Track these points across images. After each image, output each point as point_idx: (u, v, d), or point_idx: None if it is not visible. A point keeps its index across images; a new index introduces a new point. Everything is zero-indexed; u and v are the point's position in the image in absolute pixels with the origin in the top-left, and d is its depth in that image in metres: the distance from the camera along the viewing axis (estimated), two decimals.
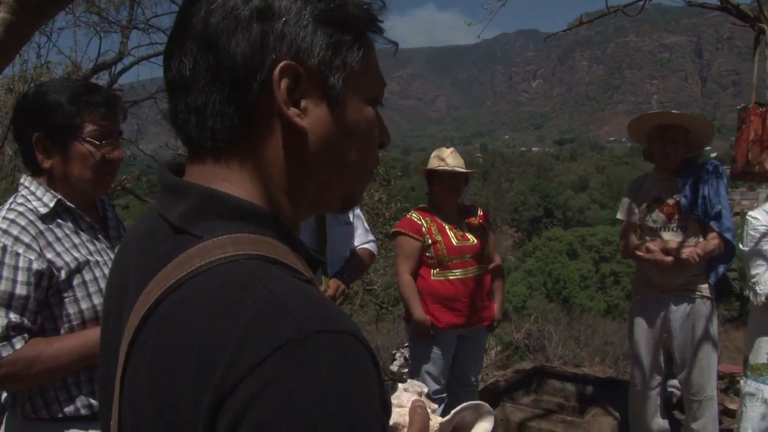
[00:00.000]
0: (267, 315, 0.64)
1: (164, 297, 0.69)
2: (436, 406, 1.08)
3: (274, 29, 0.73)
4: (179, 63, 0.76)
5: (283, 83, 0.73)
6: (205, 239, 0.71)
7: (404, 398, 1.02)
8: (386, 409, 0.69)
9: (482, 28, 5.58)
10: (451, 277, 3.85)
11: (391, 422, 0.96)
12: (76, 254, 1.81)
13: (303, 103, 0.76)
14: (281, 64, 0.73)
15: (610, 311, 34.34)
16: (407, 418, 0.97)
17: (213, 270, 0.68)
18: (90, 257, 1.84)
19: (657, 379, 4.05)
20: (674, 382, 4.36)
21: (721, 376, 4.17)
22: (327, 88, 0.77)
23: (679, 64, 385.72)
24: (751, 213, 3.64)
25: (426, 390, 1.08)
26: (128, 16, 7.28)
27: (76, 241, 1.84)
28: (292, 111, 0.75)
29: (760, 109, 3.88)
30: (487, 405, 1.09)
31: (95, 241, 1.90)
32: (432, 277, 3.88)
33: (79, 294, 1.79)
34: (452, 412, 1.05)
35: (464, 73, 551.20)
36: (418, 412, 0.96)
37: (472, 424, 1.08)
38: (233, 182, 0.76)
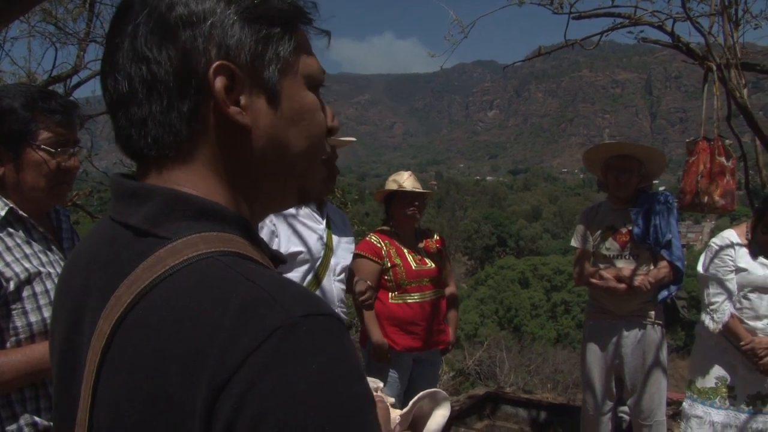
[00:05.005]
0: (253, 305, 0.64)
1: (137, 300, 0.68)
2: (393, 399, 1.07)
3: (201, 33, 0.74)
4: (114, 81, 0.76)
5: (219, 82, 0.74)
6: (173, 240, 0.70)
7: None
8: None
9: (445, 60, 5.67)
10: (409, 301, 3.85)
11: None
12: (27, 265, 1.74)
13: (242, 101, 0.76)
14: (214, 65, 0.74)
15: (561, 340, 34.77)
16: None
17: (188, 268, 0.68)
18: (41, 268, 1.77)
19: (609, 404, 4.10)
20: (624, 408, 4.42)
21: (668, 403, 4.24)
22: (263, 81, 0.78)
23: (630, 100, 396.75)
24: (714, 240, 3.75)
25: (381, 385, 1.08)
26: (86, 29, 7.13)
27: (28, 251, 1.78)
28: (233, 109, 0.75)
29: (709, 144, 4.02)
30: (442, 392, 1.10)
31: (48, 252, 1.84)
32: (390, 300, 3.87)
33: (29, 306, 1.72)
34: (410, 402, 1.05)
35: (421, 101, 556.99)
36: (379, 406, 0.96)
37: (429, 413, 1.09)
38: (188, 186, 0.76)
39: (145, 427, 0.64)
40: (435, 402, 1.09)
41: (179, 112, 0.74)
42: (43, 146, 1.77)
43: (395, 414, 1.02)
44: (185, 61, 0.73)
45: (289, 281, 0.70)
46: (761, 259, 3.61)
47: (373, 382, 1.08)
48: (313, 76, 0.85)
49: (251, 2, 0.77)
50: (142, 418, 0.64)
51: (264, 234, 2.95)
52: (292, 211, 3.03)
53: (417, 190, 3.93)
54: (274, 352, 0.61)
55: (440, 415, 1.09)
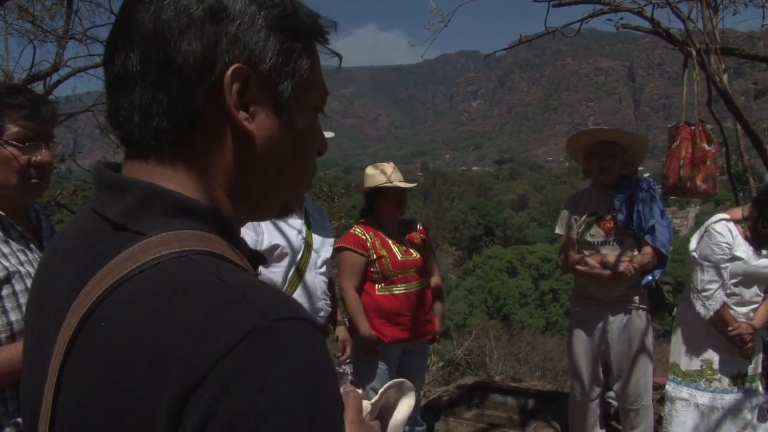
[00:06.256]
0: (226, 306, 0.62)
1: (106, 296, 0.66)
2: (360, 390, 1.09)
3: (227, 31, 0.73)
4: (125, 57, 0.73)
5: (234, 87, 0.73)
6: (147, 236, 0.69)
7: None
8: None
9: (425, 49, 5.66)
10: (396, 292, 3.85)
11: None
12: (6, 263, 1.72)
13: (252, 108, 0.75)
14: (233, 67, 0.72)
15: (549, 328, 35.00)
16: None
17: (160, 266, 0.66)
18: (20, 267, 1.75)
19: (596, 390, 4.14)
20: (611, 393, 4.46)
21: (655, 387, 4.28)
22: (276, 94, 0.77)
23: (614, 88, 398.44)
24: (714, 227, 3.72)
25: (349, 376, 1.12)
26: (65, 26, 7.04)
27: (6, 250, 1.76)
28: (242, 115, 0.74)
29: (690, 128, 4.03)
30: (408, 382, 1.12)
31: (26, 251, 1.82)
32: (377, 292, 3.87)
33: (9, 305, 1.70)
34: (379, 392, 1.08)
35: (406, 93, 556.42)
36: (351, 396, 0.96)
37: (396, 402, 1.11)
38: (175, 182, 0.75)
39: (108, 424, 0.62)
40: (401, 392, 1.11)
41: (187, 105, 0.72)
42: (10, 141, 1.74)
43: (366, 404, 1.04)
44: (205, 56, 0.71)
45: (263, 284, 0.69)
46: (759, 251, 3.64)
47: (339, 373, 1.11)
48: (320, 98, 0.85)
49: (281, 12, 0.76)
50: (105, 415, 0.63)
51: (248, 227, 2.96)
52: None
53: (406, 185, 3.92)
54: (248, 356, 0.60)
55: (405, 404, 1.11)
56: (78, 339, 0.67)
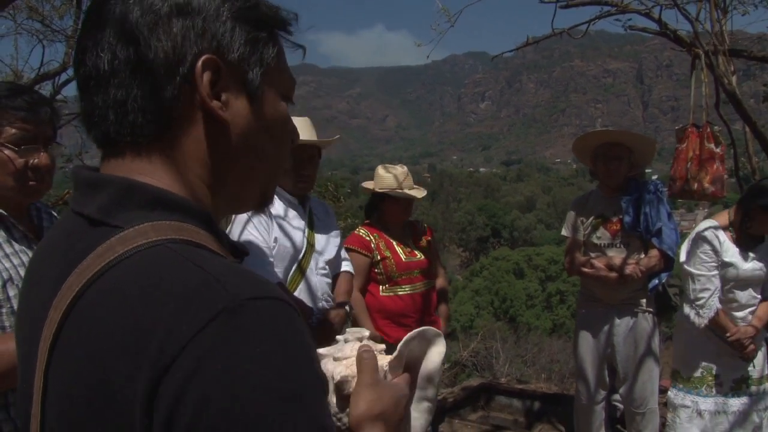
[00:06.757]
0: (197, 289, 0.63)
1: (86, 288, 0.68)
2: (383, 346, 1.03)
3: (194, 25, 0.75)
4: (96, 57, 0.75)
5: (206, 76, 0.75)
6: (125, 229, 0.70)
7: (347, 349, 1.00)
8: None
9: (431, 49, 5.66)
10: (400, 293, 3.84)
11: (338, 377, 0.95)
12: (8, 264, 1.72)
13: (224, 97, 0.77)
14: (203, 57, 0.74)
15: (556, 329, 34.80)
16: (354, 368, 0.95)
17: (136, 255, 0.68)
18: (23, 269, 1.75)
19: (602, 393, 4.12)
20: (617, 396, 4.44)
21: (662, 390, 4.25)
22: (246, 82, 0.79)
23: (622, 89, 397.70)
24: (702, 233, 3.69)
25: (366, 333, 1.05)
26: (73, 25, 7.07)
27: (9, 250, 1.76)
28: (215, 104, 0.76)
29: (698, 130, 4.02)
30: (432, 328, 1.04)
31: (28, 251, 1.81)
32: (381, 293, 3.85)
33: (16, 305, 1.70)
34: (398, 346, 0.99)
35: (413, 94, 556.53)
36: (364, 357, 0.95)
37: (423, 353, 1.04)
38: (152, 176, 0.76)
39: (93, 414, 0.63)
40: (426, 341, 1.04)
41: (160, 100, 0.74)
42: (6, 144, 1.73)
43: (384, 361, 0.99)
44: (175, 50, 0.74)
45: (239, 267, 0.70)
46: (748, 253, 3.62)
47: (358, 332, 1.05)
48: (287, 86, 0.87)
49: (244, 4, 0.79)
50: (89, 406, 0.64)
51: (261, 227, 2.97)
52: (280, 211, 3.06)
53: (416, 195, 3.87)
54: (218, 335, 0.60)
55: (436, 353, 1.04)
56: (61, 334, 0.69)
